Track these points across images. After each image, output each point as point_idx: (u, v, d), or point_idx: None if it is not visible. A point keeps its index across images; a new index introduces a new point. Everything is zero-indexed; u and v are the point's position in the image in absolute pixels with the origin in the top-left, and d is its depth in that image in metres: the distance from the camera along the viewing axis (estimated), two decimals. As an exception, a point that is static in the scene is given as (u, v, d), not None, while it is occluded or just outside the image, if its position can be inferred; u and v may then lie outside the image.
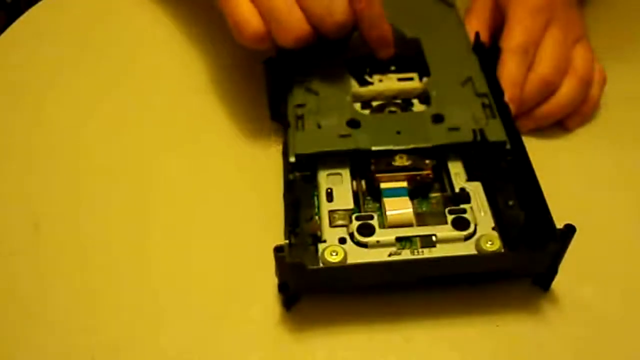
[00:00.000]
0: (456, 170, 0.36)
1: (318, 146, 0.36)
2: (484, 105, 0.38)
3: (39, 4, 0.54)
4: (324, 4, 0.35)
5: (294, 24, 0.35)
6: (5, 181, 0.41)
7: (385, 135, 0.36)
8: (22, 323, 0.34)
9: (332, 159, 0.36)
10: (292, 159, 0.35)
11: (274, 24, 0.35)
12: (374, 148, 0.36)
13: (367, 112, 0.40)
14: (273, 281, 0.33)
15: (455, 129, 0.36)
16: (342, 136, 0.36)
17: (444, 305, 0.34)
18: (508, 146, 0.36)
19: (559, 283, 0.34)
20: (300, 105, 0.38)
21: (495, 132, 0.36)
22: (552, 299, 0.34)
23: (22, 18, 0.53)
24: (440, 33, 0.43)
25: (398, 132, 0.36)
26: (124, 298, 0.35)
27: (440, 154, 0.36)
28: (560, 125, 0.43)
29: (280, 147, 0.40)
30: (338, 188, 0.35)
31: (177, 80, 0.47)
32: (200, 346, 0.33)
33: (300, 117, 0.37)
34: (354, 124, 0.37)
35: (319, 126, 0.37)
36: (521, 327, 0.33)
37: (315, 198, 0.35)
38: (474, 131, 0.36)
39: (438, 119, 0.37)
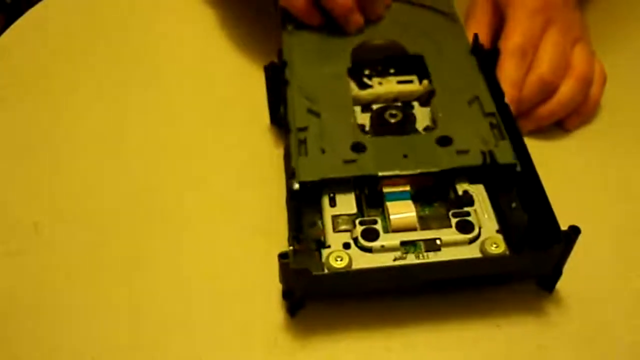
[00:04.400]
0: (460, 177, 0.36)
1: (322, 173, 0.35)
2: (491, 126, 0.37)
3: (39, 4, 0.54)
4: None
5: None
6: (6, 180, 0.41)
7: (391, 160, 0.35)
8: (22, 323, 0.34)
9: (337, 184, 0.35)
10: (296, 187, 0.34)
11: None
12: (380, 174, 0.35)
13: (367, 115, 0.40)
14: (277, 287, 0.33)
15: (463, 151, 0.35)
16: (347, 162, 0.35)
17: (448, 309, 0.34)
18: (519, 168, 0.35)
19: (563, 285, 0.34)
20: (302, 129, 0.37)
21: (505, 154, 0.35)
22: (556, 300, 0.34)
23: (22, 19, 0.53)
24: (444, 50, 0.42)
25: (405, 156, 0.35)
26: (124, 300, 0.35)
27: (448, 177, 0.35)
28: (560, 126, 0.43)
29: (280, 151, 0.39)
30: (340, 193, 0.35)
31: (178, 81, 0.47)
32: (201, 351, 0.33)
33: (302, 142, 0.36)
34: (358, 148, 0.36)
35: (323, 151, 0.36)
36: (526, 329, 0.33)
37: (318, 204, 0.35)
38: (482, 154, 0.35)
39: (445, 141, 0.36)
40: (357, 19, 0.43)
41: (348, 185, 0.35)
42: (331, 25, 0.43)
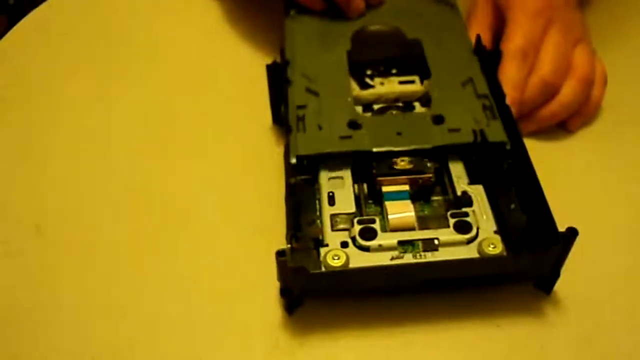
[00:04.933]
0: (458, 174, 0.36)
1: (319, 147, 0.36)
2: (484, 107, 0.38)
3: (42, 6, 0.55)
4: None
5: None
6: (8, 182, 0.41)
7: (385, 137, 0.36)
8: (22, 323, 0.34)
9: (333, 161, 0.36)
10: (293, 161, 0.35)
11: None
12: (374, 149, 0.36)
13: (368, 114, 0.40)
14: (275, 285, 0.33)
15: (455, 130, 0.36)
16: (343, 137, 0.36)
17: (446, 309, 0.34)
18: (508, 147, 0.36)
19: (561, 286, 0.34)
20: (301, 107, 0.38)
21: (496, 133, 0.36)
22: (554, 301, 0.34)
23: (24, 20, 0.54)
24: (441, 33, 0.43)
25: (399, 134, 0.36)
26: (124, 300, 0.35)
27: (441, 155, 0.36)
28: (562, 127, 0.43)
29: (281, 151, 0.40)
30: (340, 191, 0.35)
31: (179, 81, 0.48)
32: (201, 351, 0.33)
33: (301, 119, 0.37)
34: (354, 125, 0.37)
35: (320, 128, 0.37)
36: (524, 330, 0.33)
37: (317, 202, 0.35)
38: (474, 132, 0.36)
39: (438, 120, 0.37)
40: (359, 3, 0.44)
41: (346, 164, 0.36)
42: (333, 10, 0.44)
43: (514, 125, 0.37)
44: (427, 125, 0.37)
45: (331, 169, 0.36)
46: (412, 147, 0.36)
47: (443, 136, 0.36)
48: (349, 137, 0.36)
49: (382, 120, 0.38)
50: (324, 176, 0.36)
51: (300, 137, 0.36)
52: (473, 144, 0.36)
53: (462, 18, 0.45)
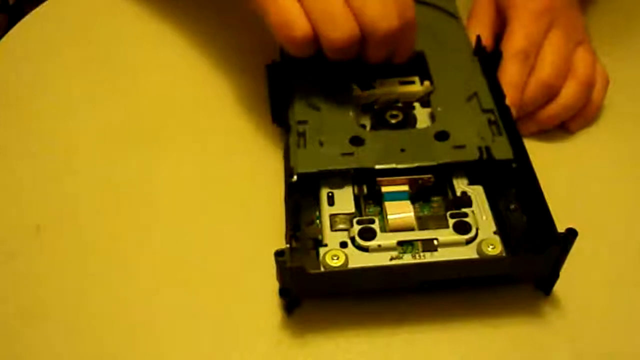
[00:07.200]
0: (458, 174, 0.36)
1: (320, 165, 0.35)
2: (489, 122, 0.37)
3: (41, 6, 0.55)
4: (377, 7, 0.34)
5: (344, 23, 0.34)
6: (8, 183, 0.41)
7: (388, 153, 0.35)
8: (22, 324, 0.34)
9: (335, 177, 0.36)
10: (295, 179, 0.34)
11: (322, 23, 0.34)
12: (377, 167, 0.35)
13: (368, 115, 0.40)
14: (274, 285, 0.33)
15: (460, 146, 0.35)
16: (345, 154, 0.35)
17: (446, 309, 0.34)
18: (514, 165, 0.35)
19: (561, 286, 0.34)
20: (302, 122, 0.37)
21: (502, 150, 0.35)
22: (553, 302, 0.34)
23: (24, 20, 0.54)
24: (445, 46, 0.42)
25: (402, 150, 0.36)
26: (124, 301, 0.35)
27: (445, 172, 0.36)
28: (562, 127, 0.43)
29: (281, 150, 0.40)
30: (339, 192, 0.35)
31: (179, 82, 0.48)
32: (200, 351, 0.33)
33: (302, 134, 0.37)
34: (356, 141, 0.36)
35: (321, 144, 0.36)
36: (523, 331, 0.33)
37: (316, 202, 0.35)
38: (479, 149, 0.35)
39: (443, 136, 0.36)
40: None
41: (347, 180, 0.35)
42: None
43: (519, 138, 0.36)
44: (431, 141, 0.36)
45: (332, 186, 0.35)
46: (416, 164, 0.35)
47: (447, 153, 0.35)
48: (351, 154, 0.35)
49: (385, 136, 0.37)
50: (324, 190, 0.36)
51: (301, 153, 0.36)
52: (478, 162, 0.35)
53: (465, 29, 0.44)
